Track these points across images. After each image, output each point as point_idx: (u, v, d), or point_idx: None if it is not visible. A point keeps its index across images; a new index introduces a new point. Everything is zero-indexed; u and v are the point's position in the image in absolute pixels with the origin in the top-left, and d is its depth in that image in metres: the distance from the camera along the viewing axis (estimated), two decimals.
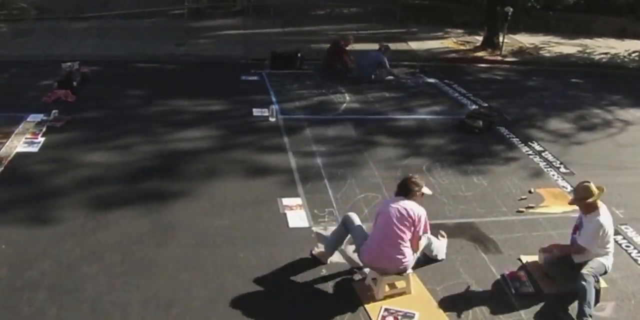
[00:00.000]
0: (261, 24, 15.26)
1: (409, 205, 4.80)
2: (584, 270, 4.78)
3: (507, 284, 5.10)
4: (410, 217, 4.74)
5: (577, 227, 5.15)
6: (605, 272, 5.02)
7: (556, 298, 4.95)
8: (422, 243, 5.04)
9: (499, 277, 5.18)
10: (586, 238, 4.96)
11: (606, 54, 14.90)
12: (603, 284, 5.11)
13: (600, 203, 5.04)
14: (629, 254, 5.69)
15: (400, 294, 4.88)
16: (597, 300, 4.83)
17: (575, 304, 4.78)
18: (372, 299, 4.81)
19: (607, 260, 5.00)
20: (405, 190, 4.90)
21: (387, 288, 4.87)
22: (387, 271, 4.80)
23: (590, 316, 4.59)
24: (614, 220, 6.15)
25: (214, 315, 4.54)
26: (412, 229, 4.76)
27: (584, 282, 4.68)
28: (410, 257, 4.82)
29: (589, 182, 5.07)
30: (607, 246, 5.03)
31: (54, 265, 4.99)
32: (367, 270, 5.01)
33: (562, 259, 5.13)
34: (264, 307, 4.66)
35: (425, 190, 5.04)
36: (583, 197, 4.99)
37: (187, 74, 11.11)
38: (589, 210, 5.02)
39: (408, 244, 4.78)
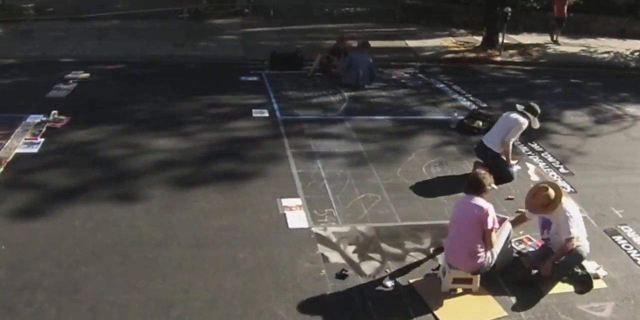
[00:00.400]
0: (261, 24, 15.27)
1: (478, 203, 4.79)
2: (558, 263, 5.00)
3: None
4: (478, 214, 4.73)
5: (544, 226, 5.29)
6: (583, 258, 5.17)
7: (556, 298, 4.95)
8: (496, 240, 4.91)
9: (498, 277, 5.18)
10: (564, 229, 5.05)
11: (607, 53, 14.92)
12: (603, 284, 5.14)
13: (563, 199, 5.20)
14: (629, 254, 5.68)
15: (465, 291, 4.92)
16: (588, 288, 4.99)
17: (576, 305, 4.85)
18: (433, 295, 4.85)
19: (582, 249, 5.10)
20: (476, 186, 4.88)
21: (454, 282, 4.90)
22: (462, 269, 4.85)
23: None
24: (613, 220, 6.24)
25: (214, 316, 4.54)
26: (482, 226, 4.75)
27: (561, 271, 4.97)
28: (484, 257, 4.80)
29: (546, 188, 5.16)
30: (580, 235, 5.13)
31: (54, 266, 4.99)
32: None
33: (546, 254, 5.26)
34: (264, 307, 4.66)
35: (493, 184, 5.04)
36: (546, 204, 5.12)
37: (186, 75, 11.11)
38: (550, 211, 5.17)
39: (480, 243, 4.77)
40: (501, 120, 7.17)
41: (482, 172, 5.06)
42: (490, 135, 7.12)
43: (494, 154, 6.97)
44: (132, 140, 7.73)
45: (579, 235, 5.10)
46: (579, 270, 5.12)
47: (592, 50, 15.05)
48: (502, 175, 6.65)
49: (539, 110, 7.11)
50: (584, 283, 5.06)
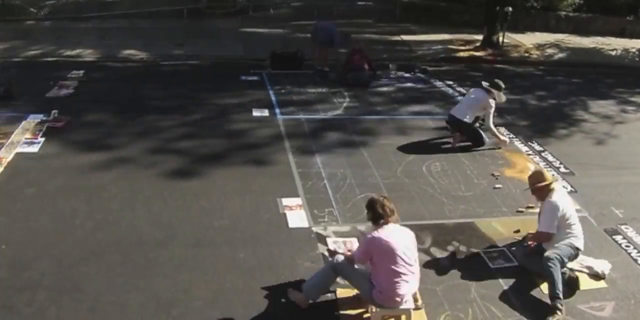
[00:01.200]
0: (261, 23, 15.26)
1: (404, 230, 4.55)
2: (547, 253, 4.94)
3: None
4: (412, 242, 4.52)
5: (539, 216, 5.36)
6: (576, 255, 5.12)
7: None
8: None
9: (499, 277, 5.18)
10: (544, 222, 5.16)
11: (609, 52, 14.92)
12: (603, 284, 5.15)
13: (556, 188, 5.29)
14: (629, 254, 5.68)
15: None
16: (572, 286, 4.96)
17: (576, 304, 4.84)
18: None
19: (575, 242, 5.10)
20: (388, 212, 4.49)
21: None
22: (402, 305, 4.40)
23: (560, 296, 4.71)
24: (613, 219, 6.24)
25: (214, 315, 4.54)
26: (416, 252, 4.55)
27: (548, 263, 4.83)
28: (417, 284, 4.56)
29: (541, 169, 5.57)
30: (572, 229, 5.13)
31: (54, 266, 4.99)
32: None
33: (534, 251, 5.26)
34: (264, 307, 4.66)
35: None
36: (533, 183, 5.31)
37: (187, 74, 11.10)
38: (542, 196, 5.26)
39: (417, 270, 4.53)
40: (467, 96, 8.30)
41: (381, 196, 4.67)
42: (457, 108, 8.00)
43: (461, 123, 7.84)
44: (133, 140, 7.72)
45: (561, 237, 5.08)
46: (567, 271, 5.08)
47: (590, 50, 15.03)
48: (475, 140, 7.89)
49: (502, 85, 7.84)
50: (569, 284, 5.01)
